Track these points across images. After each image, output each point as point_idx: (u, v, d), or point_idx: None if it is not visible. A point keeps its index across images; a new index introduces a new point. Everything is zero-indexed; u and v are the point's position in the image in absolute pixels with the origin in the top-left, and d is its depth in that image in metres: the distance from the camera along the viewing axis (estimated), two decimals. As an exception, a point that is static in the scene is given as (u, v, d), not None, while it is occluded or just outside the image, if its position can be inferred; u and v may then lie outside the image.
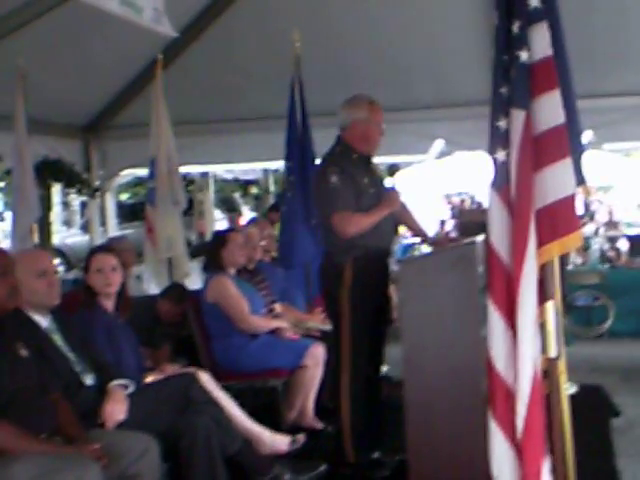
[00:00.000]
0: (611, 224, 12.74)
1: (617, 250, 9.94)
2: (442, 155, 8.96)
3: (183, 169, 7.67)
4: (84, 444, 3.39)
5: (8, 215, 8.82)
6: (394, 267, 6.37)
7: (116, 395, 3.86)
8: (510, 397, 2.75)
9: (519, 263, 2.71)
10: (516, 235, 2.74)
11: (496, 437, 2.75)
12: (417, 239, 6.61)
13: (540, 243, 2.78)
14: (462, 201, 16.83)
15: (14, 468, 3.10)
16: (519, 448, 2.74)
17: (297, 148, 6.82)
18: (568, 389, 3.21)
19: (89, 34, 6.51)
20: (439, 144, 8.24)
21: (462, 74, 7.16)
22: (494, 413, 2.75)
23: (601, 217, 13.55)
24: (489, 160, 2.89)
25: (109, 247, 5.48)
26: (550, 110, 2.82)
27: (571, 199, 2.81)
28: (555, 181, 2.80)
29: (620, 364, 7.86)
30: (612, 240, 10.69)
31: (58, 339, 3.91)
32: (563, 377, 2.97)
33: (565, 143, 2.83)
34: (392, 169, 5.33)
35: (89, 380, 3.91)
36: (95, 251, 4.71)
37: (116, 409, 3.80)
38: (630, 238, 10.51)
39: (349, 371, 4.80)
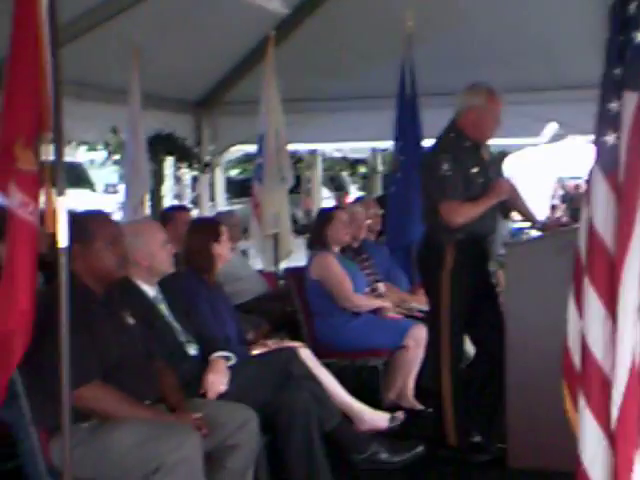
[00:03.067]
0: None
1: None
2: (555, 138, 8.79)
3: (292, 146, 7.72)
4: (185, 413, 3.45)
5: (121, 188, 9.03)
6: (501, 251, 6.30)
7: (218, 366, 3.92)
8: (606, 386, 2.68)
9: (623, 250, 2.63)
10: (622, 220, 2.66)
11: (589, 426, 2.69)
12: (527, 224, 6.49)
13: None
14: (576, 186, 16.45)
15: (117, 433, 3.20)
16: (612, 438, 2.67)
17: (407, 128, 6.78)
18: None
19: (203, 10, 6.59)
20: (552, 127, 8.08)
21: (577, 56, 6.99)
22: (588, 401, 2.69)
23: None
24: (594, 142, 2.81)
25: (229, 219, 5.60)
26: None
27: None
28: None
29: None
30: None
31: (164, 309, 4.00)
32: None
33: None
34: (501, 155, 5.26)
35: (193, 350, 3.99)
36: (220, 220, 4.80)
37: (218, 380, 3.86)
38: None
39: (449, 353, 4.78)
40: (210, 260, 4.49)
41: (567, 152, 14.27)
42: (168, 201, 10.58)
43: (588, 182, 2.86)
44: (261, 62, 7.17)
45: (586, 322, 2.73)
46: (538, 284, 4.56)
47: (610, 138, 2.75)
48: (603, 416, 2.68)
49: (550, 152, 14.54)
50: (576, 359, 2.82)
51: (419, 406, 5.58)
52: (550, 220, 9.82)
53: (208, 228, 4.65)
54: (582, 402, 2.71)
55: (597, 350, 2.70)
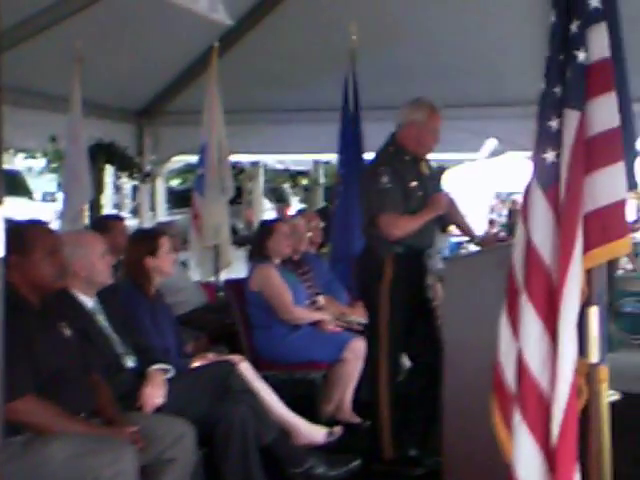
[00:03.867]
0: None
1: (668, 258, 9.80)
2: (494, 154, 8.90)
3: (234, 157, 7.71)
4: (121, 426, 3.42)
5: (60, 197, 8.92)
6: (440, 265, 6.35)
7: (156, 379, 3.89)
8: (542, 402, 2.71)
9: (565, 266, 2.67)
10: (563, 237, 2.70)
11: (525, 441, 2.71)
12: (465, 238, 6.56)
13: (588, 247, 2.74)
14: (513, 201, 16.67)
15: (51, 447, 3.15)
16: (550, 454, 2.70)
17: (349, 141, 6.82)
18: (610, 396, 3.16)
19: (147, 20, 6.55)
20: (491, 143, 8.19)
21: (517, 73, 7.09)
22: (524, 417, 2.71)
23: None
24: (532, 158, 2.85)
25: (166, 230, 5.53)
26: (605, 112, 2.77)
27: (622, 204, 2.76)
28: (606, 185, 2.75)
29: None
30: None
31: (102, 320, 3.95)
32: (605, 384, 2.92)
33: (619, 147, 2.78)
34: (440, 169, 5.32)
35: (130, 362, 3.95)
36: (161, 233, 4.74)
37: (154, 393, 3.82)
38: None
39: (387, 366, 4.80)
40: (146, 273, 4.44)
41: (506, 168, 14.45)
42: (107, 211, 10.48)
43: (524, 198, 2.90)
44: (205, 73, 7.14)
45: (523, 338, 2.75)
46: (476, 299, 4.59)
47: (549, 155, 2.79)
48: (539, 432, 2.71)
49: (489, 167, 14.72)
50: (507, 374, 2.84)
51: (356, 420, 5.59)
52: (488, 235, 9.94)
53: (144, 241, 4.60)
54: (518, 418, 2.73)
55: (534, 366, 2.72)
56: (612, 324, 8.23)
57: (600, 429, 2.84)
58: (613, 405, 3.08)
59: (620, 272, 9.32)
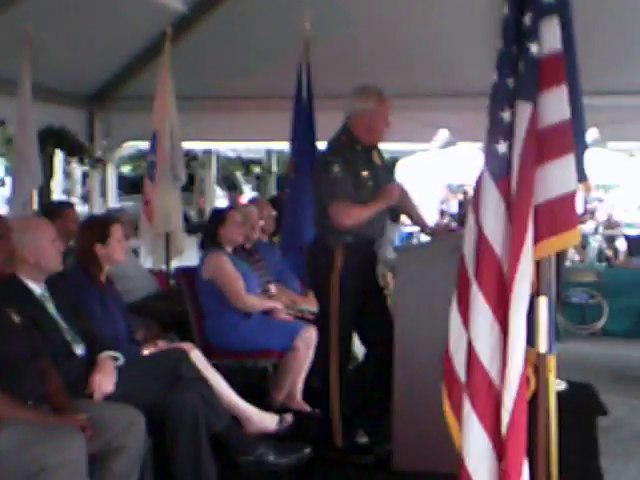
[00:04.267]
0: (610, 223, 12.74)
1: (615, 249, 9.95)
2: (446, 145, 8.96)
3: (186, 145, 7.66)
4: (70, 414, 3.39)
5: (8, 181, 8.79)
6: (391, 254, 6.38)
7: (106, 366, 3.86)
8: (492, 391, 2.74)
9: (516, 256, 2.69)
10: (515, 228, 2.72)
11: (475, 429, 2.74)
12: (416, 228, 6.59)
13: (538, 238, 2.77)
14: (465, 192, 16.80)
15: (1, 435, 3.11)
16: (499, 443, 2.73)
17: (302, 130, 6.81)
18: (557, 386, 3.21)
19: (99, 4, 6.48)
20: (443, 134, 8.23)
21: (469, 64, 7.14)
22: (474, 406, 2.74)
23: (601, 216, 13.55)
24: (483, 150, 2.87)
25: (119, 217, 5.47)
26: (556, 105, 2.80)
27: (572, 196, 2.80)
28: (557, 177, 2.78)
29: (611, 363, 7.87)
30: (611, 239, 10.71)
31: (51, 307, 3.90)
32: (552, 374, 2.96)
33: (569, 139, 2.81)
34: (392, 160, 5.34)
35: (79, 350, 3.91)
36: (114, 220, 4.69)
37: (105, 380, 3.79)
38: (629, 238, 10.52)
39: (338, 355, 4.83)
40: (95, 261, 4.40)
41: (457, 159, 14.54)
42: (57, 196, 10.36)
43: (475, 189, 2.92)
44: (157, 59, 7.08)
45: (473, 328, 2.78)
46: (427, 288, 4.64)
47: (501, 146, 2.81)
48: (488, 420, 2.74)
49: (440, 158, 14.79)
50: (456, 363, 2.87)
51: (307, 408, 5.60)
52: (439, 225, 10.01)
53: (94, 228, 4.54)
54: (467, 406, 2.75)
55: (484, 356, 2.75)
56: (559, 314, 8.35)
57: (548, 418, 2.88)
58: (559, 394, 3.13)
59: (567, 263, 9.44)
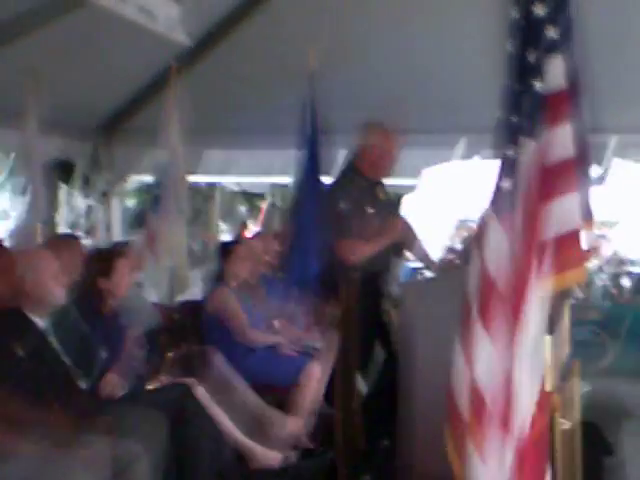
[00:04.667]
0: (615, 260, 12.69)
1: (620, 287, 9.92)
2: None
3: (191, 178, 7.67)
4: (75, 448, 3.36)
5: (13, 214, 8.81)
6: (396, 289, 6.36)
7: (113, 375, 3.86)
8: (497, 430, 2.72)
9: (521, 294, 2.68)
10: (520, 265, 2.71)
11: (478, 470, 2.71)
12: (421, 264, 6.59)
13: (545, 275, 2.76)
14: (469, 228, 16.76)
15: (4, 469, 3.09)
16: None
17: (306, 165, 6.81)
18: (563, 425, 3.19)
19: (105, 38, 6.52)
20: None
21: (472, 101, 7.16)
22: (476, 447, 2.71)
23: (606, 253, 13.50)
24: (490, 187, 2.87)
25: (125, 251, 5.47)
26: (561, 142, 2.81)
27: (577, 233, 2.80)
28: (562, 214, 2.78)
29: (617, 402, 7.82)
30: (615, 277, 10.67)
31: (54, 341, 3.89)
32: (558, 412, 2.94)
33: (574, 177, 2.81)
34: (398, 196, 5.34)
35: (83, 384, 3.89)
36: (120, 254, 4.68)
37: (116, 379, 3.77)
38: (633, 276, 10.49)
39: (342, 390, 4.79)
40: (98, 294, 4.39)
41: (468, 194, 14.54)
42: (62, 230, 10.36)
43: (479, 226, 2.91)
44: (162, 92, 7.12)
45: (478, 366, 2.76)
46: (431, 323, 4.62)
47: (506, 183, 2.81)
48: (492, 460, 2.71)
49: (449, 194, 14.81)
50: (459, 402, 2.84)
51: (312, 445, 5.55)
52: (443, 261, 9.98)
53: (99, 262, 4.55)
54: (471, 447, 2.72)
55: (487, 395, 2.73)
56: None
57: (554, 458, 2.85)
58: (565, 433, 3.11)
59: (572, 301, 9.40)
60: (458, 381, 2.86)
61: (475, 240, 2.95)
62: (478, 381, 2.74)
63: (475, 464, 2.72)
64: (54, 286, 3.86)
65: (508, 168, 2.82)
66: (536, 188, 2.75)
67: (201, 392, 4.46)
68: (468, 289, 2.89)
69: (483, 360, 2.74)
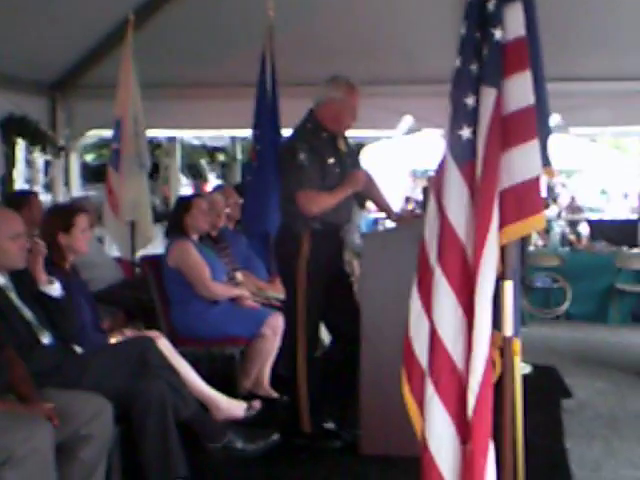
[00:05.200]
0: (573, 208, 12.85)
1: (578, 234, 10.04)
2: (410, 131, 8.98)
3: (150, 133, 7.61)
4: (36, 403, 3.37)
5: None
6: (358, 241, 6.40)
7: None
8: (455, 374, 2.76)
9: (481, 241, 2.71)
10: (480, 213, 2.74)
11: (437, 413, 2.76)
12: (382, 214, 6.62)
13: (503, 223, 2.79)
14: (429, 179, 16.85)
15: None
16: (462, 426, 2.75)
17: (265, 117, 6.79)
18: (522, 369, 3.24)
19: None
20: (407, 120, 8.26)
21: (433, 51, 7.16)
22: (437, 389, 2.75)
23: (564, 201, 13.67)
24: (446, 135, 2.88)
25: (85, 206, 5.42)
26: (520, 91, 2.82)
27: (536, 181, 2.82)
28: (522, 162, 2.80)
29: (575, 346, 7.97)
30: (573, 224, 10.80)
31: (14, 297, 3.87)
32: (518, 357, 2.99)
33: (533, 125, 2.83)
34: (358, 146, 5.35)
35: (45, 339, 3.88)
36: (79, 210, 4.63)
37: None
38: (591, 223, 10.62)
39: (304, 341, 4.84)
40: (58, 250, 4.36)
41: (421, 145, 14.58)
42: (19, 186, 10.25)
43: (436, 175, 2.93)
44: (120, 46, 7.03)
45: (436, 312, 2.79)
46: (393, 274, 4.66)
47: (465, 132, 2.83)
48: (451, 404, 2.76)
49: (405, 145, 14.83)
50: (417, 347, 2.88)
51: (275, 394, 5.61)
52: (404, 212, 10.04)
53: (58, 218, 4.49)
54: (430, 390, 2.77)
55: (447, 340, 2.77)
56: (524, 299, 8.43)
57: (513, 401, 2.91)
58: (525, 377, 3.17)
59: (531, 248, 9.52)
60: (415, 326, 2.90)
61: (432, 188, 2.97)
62: (437, 326, 2.78)
63: (434, 406, 2.76)
64: (10, 249, 3.78)
65: (467, 116, 2.83)
66: (497, 136, 2.76)
67: (164, 343, 4.47)
68: (425, 237, 2.91)
69: (442, 307, 2.78)
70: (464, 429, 2.76)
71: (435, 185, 2.93)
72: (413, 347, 2.89)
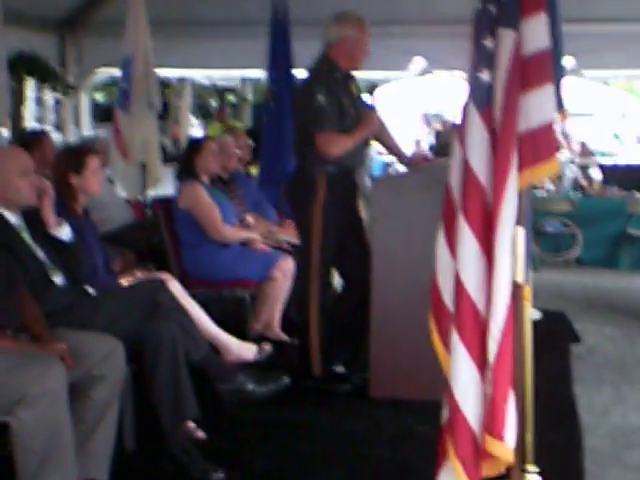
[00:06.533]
0: (585, 152, 12.74)
1: (590, 178, 9.98)
2: (422, 73, 8.89)
3: (159, 72, 7.54)
4: (49, 343, 3.39)
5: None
6: (368, 184, 6.36)
7: None
8: (478, 321, 2.75)
9: (501, 186, 2.68)
10: (499, 158, 2.70)
11: (462, 359, 2.75)
12: (393, 157, 6.57)
13: (520, 168, 2.76)
14: (444, 122, 16.72)
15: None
16: (484, 372, 2.75)
17: (279, 58, 6.71)
18: (531, 315, 3.24)
19: None
20: (419, 61, 8.17)
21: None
22: (461, 336, 2.75)
23: (576, 145, 13.55)
24: (467, 78, 2.84)
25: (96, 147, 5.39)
26: (537, 33, 2.76)
27: (551, 125, 2.78)
28: (538, 106, 2.76)
29: (584, 292, 7.98)
30: (585, 168, 10.74)
31: (27, 236, 3.86)
32: (528, 303, 2.98)
33: (549, 68, 2.78)
34: (371, 87, 5.28)
35: (58, 279, 3.89)
36: (90, 151, 4.60)
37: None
38: (603, 167, 10.55)
39: (317, 285, 4.84)
40: (70, 192, 4.34)
41: (433, 88, 14.45)
42: (29, 124, 10.21)
43: (462, 119, 2.89)
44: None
45: (460, 259, 2.77)
46: (404, 219, 4.65)
47: (484, 75, 2.78)
48: (475, 350, 2.75)
49: (416, 87, 14.70)
50: (444, 294, 2.87)
51: (285, 337, 5.64)
52: (415, 155, 9.98)
53: (69, 159, 4.47)
54: (455, 337, 2.76)
55: (471, 286, 2.75)
56: (534, 244, 8.42)
57: (523, 347, 2.91)
58: (534, 323, 3.17)
59: (543, 193, 9.48)
60: (442, 272, 2.88)
61: (457, 133, 2.93)
62: (460, 273, 2.76)
63: (459, 352, 2.76)
64: (21, 185, 3.77)
65: (486, 59, 2.78)
66: (515, 79, 2.72)
67: (175, 285, 4.48)
68: (450, 182, 2.88)
69: (465, 253, 2.76)
70: (486, 376, 2.77)
71: (460, 130, 2.90)
72: (441, 293, 2.88)
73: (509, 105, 2.70)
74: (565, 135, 11.69)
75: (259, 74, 7.49)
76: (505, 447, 2.71)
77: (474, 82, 2.79)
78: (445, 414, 2.83)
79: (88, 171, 4.37)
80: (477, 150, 2.75)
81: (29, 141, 5.68)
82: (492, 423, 2.70)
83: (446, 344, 2.84)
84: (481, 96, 2.77)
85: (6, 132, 6.67)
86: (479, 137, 2.75)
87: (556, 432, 4.22)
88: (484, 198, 2.75)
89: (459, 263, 2.77)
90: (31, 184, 3.81)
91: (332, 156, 4.67)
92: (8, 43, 6.52)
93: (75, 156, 4.47)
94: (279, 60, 6.70)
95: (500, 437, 2.69)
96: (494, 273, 2.69)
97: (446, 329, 2.83)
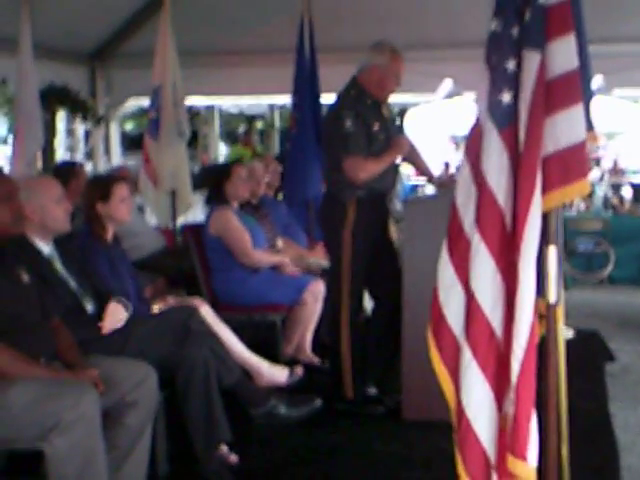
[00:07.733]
0: (616, 171, 12.69)
1: (621, 197, 9.93)
2: (450, 95, 8.91)
3: (188, 101, 7.62)
4: (82, 370, 3.42)
5: (11, 139, 8.75)
6: (398, 207, 6.38)
7: (117, 304, 3.91)
8: (493, 342, 2.74)
9: (525, 207, 2.68)
10: (523, 179, 2.70)
11: (475, 379, 2.74)
12: (422, 179, 6.60)
13: (548, 188, 2.75)
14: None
15: (11, 391, 3.14)
16: (499, 393, 2.74)
17: (304, 84, 6.76)
18: (565, 334, 3.22)
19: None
20: (448, 84, 8.19)
21: (474, 14, 7.04)
22: (475, 357, 2.74)
23: (606, 164, 13.51)
24: (486, 100, 2.84)
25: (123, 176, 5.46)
26: (564, 54, 2.77)
27: (582, 145, 2.78)
28: (567, 127, 2.76)
29: (618, 310, 7.92)
30: (616, 187, 10.69)
31: (59, 266, 3.92)
32: (561, 322, 2.97)
33: (578, 89, 2.79)
34: (402, 111, 5.32)
35: (89, 306, 3.93)
36: (117, 179, 4.66)
37: (118, 311, 3.85)
38: (634, 186, 10.49)
39: (348, 308, 4.85)
40: (98, 220, 4.39)
41: (461, 110, 14.45)
42: (60, 155, 10.33)
43: (470, 139, 2.89)
44: (158, 13, 7.02)
45: (474, 278, 2.77)
46: (434, 240, 4.60)
47: (505, 97, 2.79)
48: (489, 371, 2.75)
49: (444, 109, 14.72)
50: (447, 313, 2.85)
51: (317, 360, 5.64)
52: (444, 177, 9.98)
53: (97, 187, 4.53)
54: (468, 356, 2.75)
55: (486, 306, 2.74)
56: (566, 263, 8.37)
57: (557, 366, 2.89)
58: (568, 342, 3.15)
59: (574, 212, 9.44)
60: (445, 292, 2.86)
61: (466, 153, 2.93)
62: (476, 293, 2.75)
63: (472, 373, 2.75)
64: (56, 212, 3.85)
65: (508, 81, 2.79)
66: (541, 101, 2.72)
67: (206, 311, 4.50)
68: (457, 202, 2.88)
69: (481, 273, 2.75)
70: (502, 396, 2.75)
71: (469, 150, 2.90)
72: (443, 313, 2.87)
73: (533, 126, 2.71)
74: (594, 154, 11.65)
75: (286, 100, 7.52)
76: (528, 466, 2.70)
77: (493, 104, 2.79)
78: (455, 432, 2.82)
79: (115, 199, 4.42)
80: (495, 170, 2.75)
81: (66, 172, 5.76)
82: (515, 442, 2.69)
83: (448, 364, 2.82)
84: (502, 117, 2.77)
85: (39, 164, 6.75)
86: (498, 157, 2.75)
87: (592, 451, 4.19)
88: (502, 218, 2.74)
89: (474, 283, 2.75)
90: (66, 210, 3.88)
91: (360, 180, 4.70)
92: (40, 76, 6.63)
93: (101, 185, 4.52)
94: (302, 86, 6.74)
95: (523, 456, 2.68)
96: (518, 292, 2.68)
97: (447, 346, 2.82)
